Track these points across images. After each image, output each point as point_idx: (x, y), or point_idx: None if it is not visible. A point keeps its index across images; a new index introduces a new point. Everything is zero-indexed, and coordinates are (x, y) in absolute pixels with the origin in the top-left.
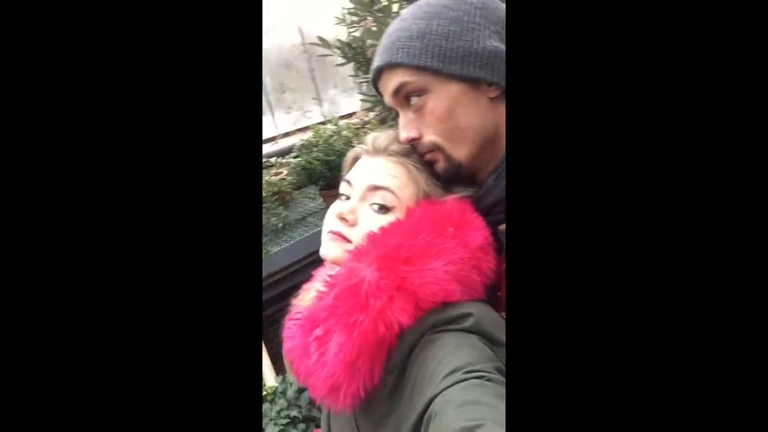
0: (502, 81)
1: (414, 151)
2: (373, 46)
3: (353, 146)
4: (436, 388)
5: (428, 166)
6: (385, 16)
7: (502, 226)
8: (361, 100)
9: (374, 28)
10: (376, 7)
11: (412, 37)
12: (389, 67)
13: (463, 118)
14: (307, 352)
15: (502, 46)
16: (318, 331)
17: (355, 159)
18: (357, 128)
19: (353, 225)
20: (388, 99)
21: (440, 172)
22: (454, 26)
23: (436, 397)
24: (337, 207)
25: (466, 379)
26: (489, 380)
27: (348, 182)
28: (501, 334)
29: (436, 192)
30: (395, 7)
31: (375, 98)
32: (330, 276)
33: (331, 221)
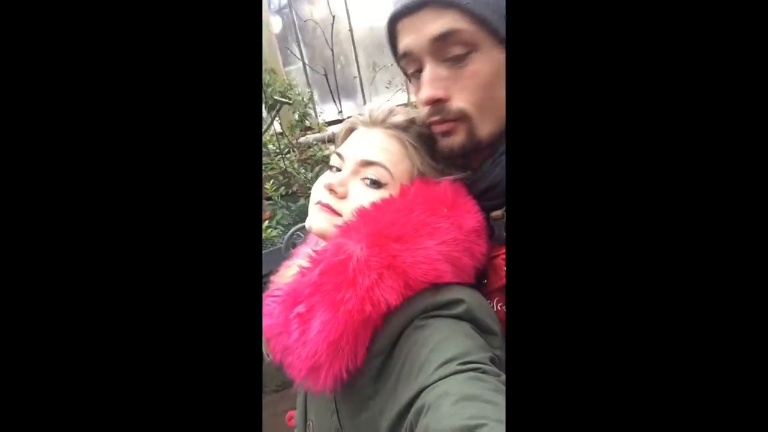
0: None
1: (413, 125)
2: None
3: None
4: (429, 377)
5: (426, 144)
6: None
7: (495, 213)
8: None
9: None
10: None
11: None
12: (444, 3)
13: (500, 92)
14: (288, 329)
15: None
16: (300, 308)
17: (350, 130)
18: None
19: (343, 198)
20: (418, 42)
21: (454, 147)
22: None
23: (428, 387)
24: (326, 178)
25: (462, 371)
26: (485, 372)
27: (339, 155)
28: (491, 322)
29: (430, 172)
30: None
31: None
32: (315, 251)
33: (319, 192)
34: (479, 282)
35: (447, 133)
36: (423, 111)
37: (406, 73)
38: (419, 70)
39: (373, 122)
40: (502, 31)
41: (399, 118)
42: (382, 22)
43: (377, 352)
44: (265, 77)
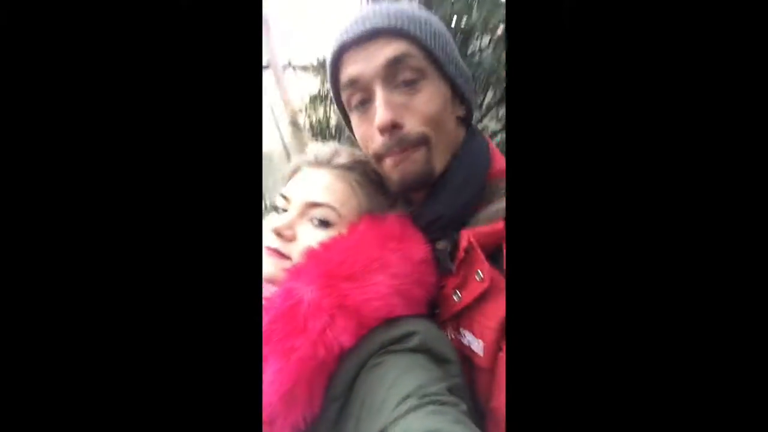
0: (470, 104)
1: (358, 165)
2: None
3: None
4: (389, 416)
5: (372, 182)
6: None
7: (440, 244)
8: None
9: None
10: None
11: (421, 19)
12: (393, 34)
13: (448, 124)
14: None
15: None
16: None
17: (295, 171)
18: None
19: (291, 240)
20: (369, 68)
21: (411, 176)
22: (448, 34)
23: (389, 426)
24: (272, 222)
25: (420, 406)
26: (444, 404)
27: (284, 197)
28: (447, 351)
29: (377, 209)
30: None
31: None
32: (265, 299)
33: (266, 237)
34: (431, 312)
35: (402, 161)
36: (375, 142)
37: (344, 109)
38: (365, 101)
39: (319, 163)
40: (447, 66)
41: (343, 158)
42: None
43: (334, 397)
44: None
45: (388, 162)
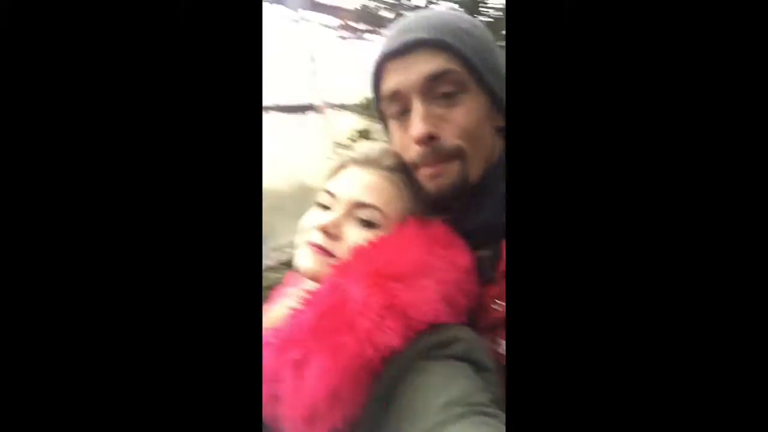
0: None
1: (406, 168)
2: None
3: None
4: (432, 420)
5: (416, 186)
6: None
7: (483, 252)
8: None
9: None
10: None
11: (462, 30)
12: (435, 46)
13: (485, 136)
14: (278, 377)
15: None
16: (295, 354)
17: (341, 167)
18: None
19: (336, 239)
20: (409, 80)
21: (446, 188)
22: (490, 42)
23: (432, 430)
24: (316, 218)
25: (467, 414)
26: (489, 416)
27: (330, 193)
28: (487, 361)
29: (420, 213)
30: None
31: None
32: (308, 292)
33: (309, 233)
34: (472, 322)
35: (438, 174)
36: (411, 151)
37: (383, 116)
38: (404, 111)
39: (368, 162)
40: (487, 77)
41: (392, 160)
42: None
43: (376, 399)
44: None
45: (423, 172)
